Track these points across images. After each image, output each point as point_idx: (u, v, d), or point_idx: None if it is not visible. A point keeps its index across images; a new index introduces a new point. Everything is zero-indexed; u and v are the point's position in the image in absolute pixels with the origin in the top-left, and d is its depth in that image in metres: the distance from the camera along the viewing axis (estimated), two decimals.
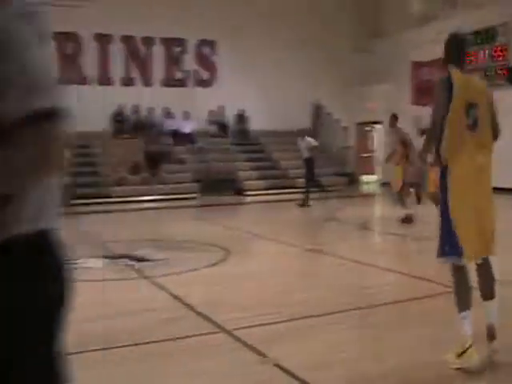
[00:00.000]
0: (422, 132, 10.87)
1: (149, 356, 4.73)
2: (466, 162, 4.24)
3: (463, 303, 4.31)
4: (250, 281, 7.72)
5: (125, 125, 21.19)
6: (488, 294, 4.39)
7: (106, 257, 9.09)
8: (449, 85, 4.31)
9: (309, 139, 16.44)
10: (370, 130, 25.00)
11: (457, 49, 4.54)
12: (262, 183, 20.62)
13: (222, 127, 22.55)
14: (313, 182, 16.31)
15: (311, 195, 15.97)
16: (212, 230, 12.28)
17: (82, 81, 21.04)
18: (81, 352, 4.83)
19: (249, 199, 19.05)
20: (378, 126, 23.87)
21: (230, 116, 22.75)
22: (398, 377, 4.25)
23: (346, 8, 24.26)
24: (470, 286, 4.37)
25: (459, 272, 4.37)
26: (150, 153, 19.87)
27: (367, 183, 23.71)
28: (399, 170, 11.93)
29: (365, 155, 24.66)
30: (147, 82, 22.29)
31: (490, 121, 4.42)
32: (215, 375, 4.30)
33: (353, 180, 23.14)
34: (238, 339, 5.00)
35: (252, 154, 22.15)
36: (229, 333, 5.17)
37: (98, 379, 4.23)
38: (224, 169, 20.40)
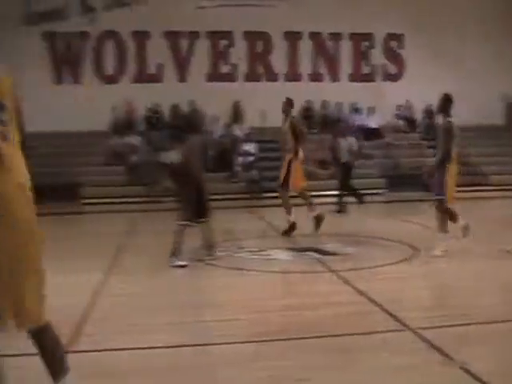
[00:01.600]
0: None
1: (334, 350, 4.80)
2: None
3: None
4: (438, 280, 7.53)
5: (313, 120, 21.48)
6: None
7: (292, 249, 9.33)
8: None
9: (351, 140, 15.12)
10: None
11: None
12: None
13: (410, 122, 22.09)
14: (347, 189, 14.83)
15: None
16: (400, 226, 12.09)
17: (272, 78, 21.70)
18: (265, 341, 5.03)
19: None
20: None
21: (418, 111, 22.21)
22: None
23: None
24: None
25: None
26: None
27: None
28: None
29: None
30: (335, 78, 22.41)
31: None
32: (399, 373, 4.27)
33: None
34: (423, 339, 4.92)
35: None
36: (414, 332, 5.10)
37: (288, 369, 4.38)
38: (412, 164, 19.96)
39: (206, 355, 4.82)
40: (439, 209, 8.63)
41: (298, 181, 10.80)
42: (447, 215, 8.63)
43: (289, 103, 11.40)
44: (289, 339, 5.07)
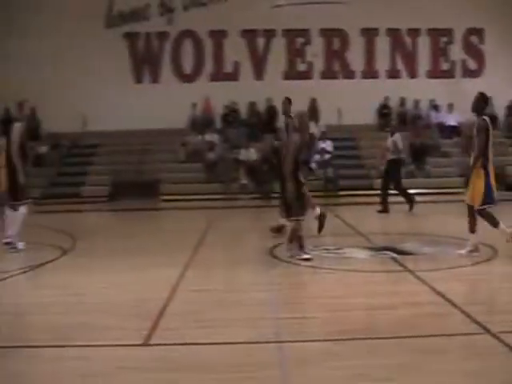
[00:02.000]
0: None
1: (413, 351, 4.75)
2: None
3: None
4: None
5: (390, 118, 21.20)
6: None
7: (369, 248, 9.28)
8: None
9: (397, 137, 14.33)
10: None
11: None
12: None
13: (491, 119, 21.45)
14: (384, 187, 14.30)
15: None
16: (479, 227, 11.77)
17: (349, 75, 21.58)
18: (341, 340, 5.03)
19: None
20: None
21: (499, 107, 21.58)
22: None
23: None
24: None
25: None
26: (415, 146, 19.67)
27: None
28: None
29: None
30: (413, 74, 22.06)
31: None
32: (479, 378, 4.20)
33: None
34: (504, 343, 4.80)
35: None
36: (495, 336, 4.99)
37: (365, 368, 4.38)
38: (493, 164, 19.42)
39: (281, 352, 4.86)
40: (483, 215, 8.54)
41: None
42: (490, 219, 8.52)
43: (288, 103, 10.42)
44: (365, 338, 5.06)
